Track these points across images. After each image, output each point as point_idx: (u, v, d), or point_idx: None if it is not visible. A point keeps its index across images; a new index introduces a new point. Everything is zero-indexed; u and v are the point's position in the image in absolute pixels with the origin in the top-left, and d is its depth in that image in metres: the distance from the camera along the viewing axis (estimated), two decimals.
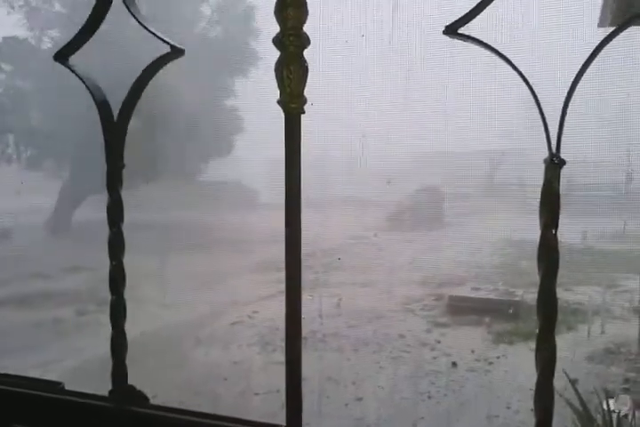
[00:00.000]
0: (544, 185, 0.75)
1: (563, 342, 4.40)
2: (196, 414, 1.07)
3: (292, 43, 0.84)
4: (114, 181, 1.06)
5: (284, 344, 0.98)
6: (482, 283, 6.35)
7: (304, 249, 0.95)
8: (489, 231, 5.83)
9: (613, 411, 3.23)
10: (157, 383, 4.46)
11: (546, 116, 0.73)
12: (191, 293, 6.23)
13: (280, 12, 0.83)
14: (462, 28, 0.76)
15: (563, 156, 0.76)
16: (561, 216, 0.77)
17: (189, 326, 6.04)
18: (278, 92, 0.89)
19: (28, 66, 7.44)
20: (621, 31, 0.74)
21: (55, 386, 1.21)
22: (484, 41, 0.74)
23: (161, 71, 1.04)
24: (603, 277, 5.45)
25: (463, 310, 6.00)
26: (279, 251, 0.97)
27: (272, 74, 0.89)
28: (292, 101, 0.87)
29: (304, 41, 0.85)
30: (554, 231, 0.77)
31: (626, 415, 3.42)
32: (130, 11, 0.94)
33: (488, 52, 0.77)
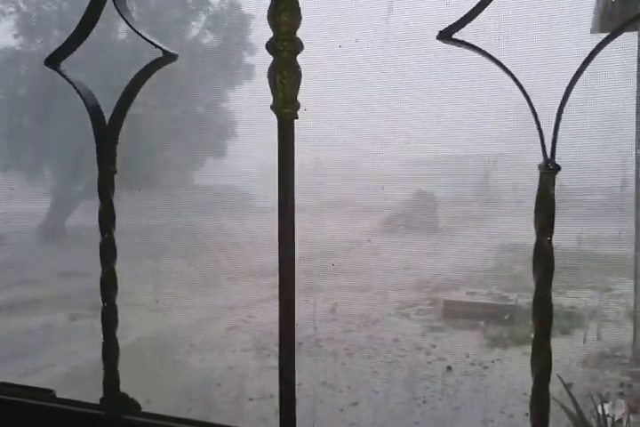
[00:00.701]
0: (539, 191, 0.75)
1: (557, 346, 4.40)
2: (189, 422, 1.06)
3: (285, 48, 0.84)
4: (105, 187, 1.05)
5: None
6: (476, 287, 6.36)
7: (298, 253, 0.94)
8: (483, 236, 5.84)
9: (608, 415, 3.24)
10: (152, 388, 4.44)
11: (541, 121, 0.73)
12: (186, 298, 6.21)
13: (273, 17, 0.83)
14: (456, 34, 0.76)
15: (558, 161, 0.76)
16: (556, 220, 0.77)
17: (185, 330, 6.03)
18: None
19: (18, 71, 7.44)
20: (614, 37, 0.74)
21: (46, 394, 1.20)
22: (478, 46, 0.74)
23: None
24: (597, 281, 5.47)
25: (458, 314, 6.00)
26: (274, 255, 0.97)
27: (266, 78, 0.88)
28: (286, 107, 0.87)
29: (297, 46, 0.85)
30: (549, 237, 0.77)
31: (620, 420, 3.43)
32: (122, 16, 0.93)
33: (483, 57, 0.77)
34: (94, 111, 1.02)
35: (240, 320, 6.02)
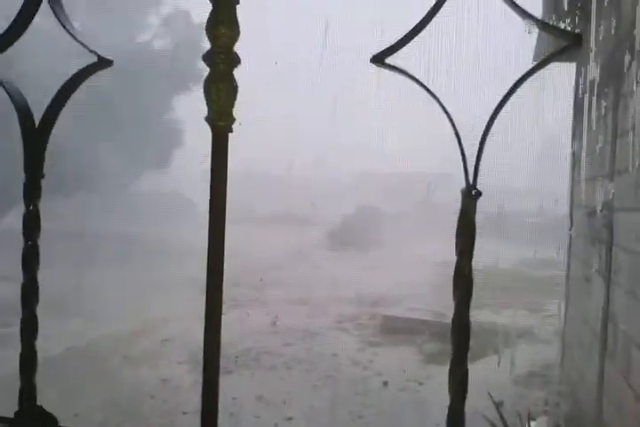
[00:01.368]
0: (460, 215, 0.76)
1: (488, 364, 4.51)
2: None
3: (222, 61, 0.83)
4: (31, 192, 1.01)
5: None
6: (416, 303, 6.46)
7: (240, 265, 0.94)
8: (426, 252, 5.94)
9: None
10: (81, 401, 4.27)
11: (465, 148, 0.75)
12: (121, 307, 6.03)
13: (211, 29, 0.82)
14: (390, 58, 0.77)
15: (491, 183, 0.78)
16: (492, 242, 0.79)
17: (118, 341, 5.84)
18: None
19: None
20: (538, 70, 0.78)
21: None
22: (408, 72, 0.76)
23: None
24: (529, 302, 5.65)
25: (396, 329, 6.07)
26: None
27: None
28: (220, 119, 0.86)
29: (234, 60, 0.84)
30: (469, 260, 0.79)
31: None
32: (57, 17, 0.91)
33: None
34: (23, 112, 0.98)
35: (175, 332, 5.89)
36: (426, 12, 0.79)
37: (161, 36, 6.76)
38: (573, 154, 4.60)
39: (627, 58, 2.65)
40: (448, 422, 0.88)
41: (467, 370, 0.83)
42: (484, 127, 0.75)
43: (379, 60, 0.76)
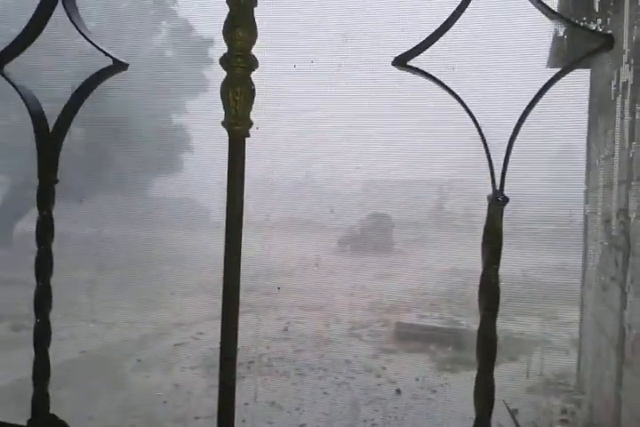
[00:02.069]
0: (487, 222, 0.74)
1: (504, 372, 4.45)
2: None
3: (239, 64, 0.82)
4: (45, 197, 1.00)
5: None
6: (428, 311, 6.41)
7: (252, 271, 0.92)
8: (437, 260, 5.90)
9: None
10: (96, 404, 4.27)
11: (491, 153, 0.72)
12: (135, 311, 6.04)
13: (228, 32, 0.81)
14: (412, 61, 0.75)
15: (508, 192, 0.75)
16: (506, 249, 0.76)
17: (131, 346, 5.85)
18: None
19: None
20: (566, 74, 0.75)
21: None
22: (432, 74, 0.74)
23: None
24: (544, 309, 5.58)
25: (409, 336, 6.02)
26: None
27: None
28: (237, 124, 0.84)
29: (252, 63, 0.83)
30: (496, 268, 0.76)
31: None
32: (72, 20, 0.90)
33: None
34: (37, 117, 0.97)
35: (189, 337, 5.89)
36: (449, 13, 0.77)
37: (171, 43, 6.82)
38: (588, 160, 4.55)
39: None
40: None
41: (493, 382, 0.79)
42: (510, 132, 0.73)
43: (401, 62, 0.74)
